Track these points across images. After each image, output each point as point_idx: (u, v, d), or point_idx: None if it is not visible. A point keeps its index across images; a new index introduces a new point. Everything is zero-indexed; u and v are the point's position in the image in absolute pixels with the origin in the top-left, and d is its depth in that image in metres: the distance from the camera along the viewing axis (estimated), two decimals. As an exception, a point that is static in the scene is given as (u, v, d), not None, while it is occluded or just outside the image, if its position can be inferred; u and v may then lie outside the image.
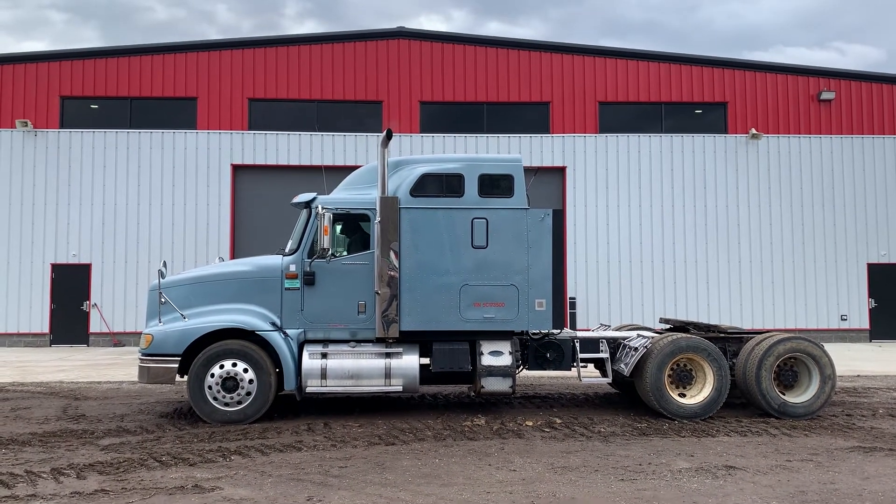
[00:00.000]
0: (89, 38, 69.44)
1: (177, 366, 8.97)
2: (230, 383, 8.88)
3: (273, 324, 9.14)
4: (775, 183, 21.49)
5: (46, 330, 20.31)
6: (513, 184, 9.38)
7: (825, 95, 21.72)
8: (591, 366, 10.05)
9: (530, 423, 8.92)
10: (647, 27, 71.69)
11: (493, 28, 73.56)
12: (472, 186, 9.34)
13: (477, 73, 21.66)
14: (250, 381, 8.91)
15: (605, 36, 73.80)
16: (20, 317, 20.28)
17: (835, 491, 6.16)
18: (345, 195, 9.75)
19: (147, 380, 9.12)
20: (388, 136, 9.25)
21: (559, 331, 9.72)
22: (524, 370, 9.86)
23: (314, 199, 9.47)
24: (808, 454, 7.45)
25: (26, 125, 20.50)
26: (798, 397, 9.38)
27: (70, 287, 20.37)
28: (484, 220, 9.26)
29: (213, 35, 69.29)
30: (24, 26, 67.41)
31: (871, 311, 21.38)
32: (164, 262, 9.97)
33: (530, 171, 10.01)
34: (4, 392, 11.70)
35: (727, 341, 9.91)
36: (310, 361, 9.02)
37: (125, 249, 20.46)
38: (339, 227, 9.65)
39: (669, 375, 9.27)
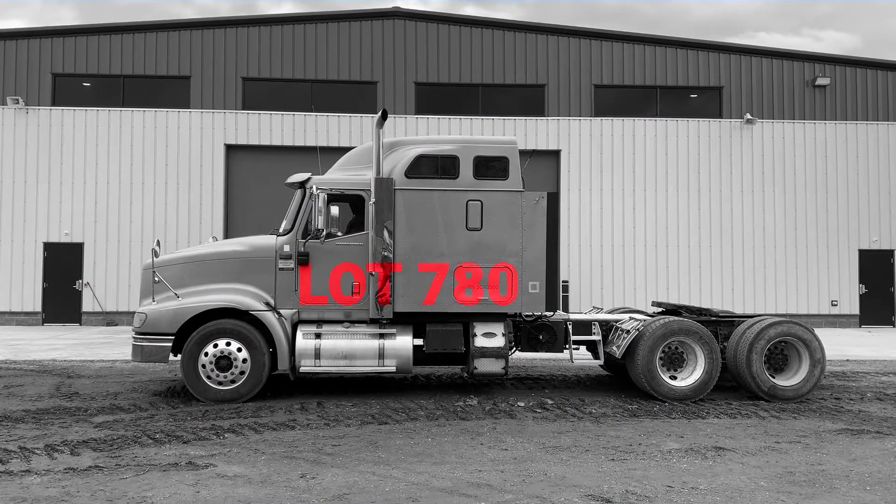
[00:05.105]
0: (66, 18, 68.39)
1: (170, 345, 8.99)
2: (224, 362, 8.91)
3: (267, 304, 9.15)
4: (769, 168, 21.53)
5: (39, 309, 20.26)
6: (508, 166, 9.37)
7: (820, 81, 21.71)
8: (583, 348, 10.13)
9: (522, 404, 8.99)
10: (623, 13, 70.84)
11: (470, 12, 72.68)
12: (467, 168, 9.32)
13: (472, 54, 21.55)
14: (244, 361, 8.94)
15: (581, 22, 73.14)
16: (12, 295, 20.21)
17: (822, 472, 6.24)
18: (339, 176, 9.72)
19: (141, 358, 9.16)
20: (384, 117, 9.23)
21: (552, 313, 9.78)
22: (517, 352, 9.94)
23: (308, 179, 9.44)
24: (797, 436, 7.54)
25: (18, 102, 20.32)
26: (788, 380, 9.47)
27: (62, 266, 20.29)
28: (478, 203, 9.26)
29: (191, 16, 68.08)
30: (1, 5, 66.37)
31: (861, 296, 21.52)
32: (158, 241, 9.94)
33: (525, 154, 10.01)
34: (-3, 370, 11.71)
35: (719, 325, 9.98)
36: (304, 341, 9.04)
37: (118, 228, 20.38)
38: (333, 208, 9.65)
39: (661, 358, 9.34)
